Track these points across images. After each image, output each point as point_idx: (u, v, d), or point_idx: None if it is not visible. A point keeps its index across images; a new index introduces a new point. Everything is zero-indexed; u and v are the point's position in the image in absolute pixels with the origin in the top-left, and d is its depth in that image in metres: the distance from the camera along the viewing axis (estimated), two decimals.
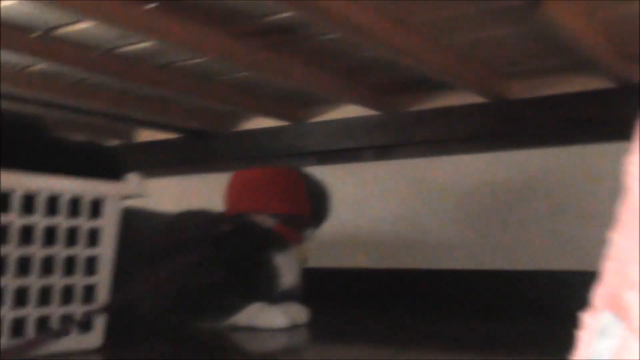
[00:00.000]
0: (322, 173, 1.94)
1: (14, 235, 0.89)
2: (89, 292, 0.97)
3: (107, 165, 1.00)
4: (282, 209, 1.41)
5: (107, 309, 0.97)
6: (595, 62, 1.42)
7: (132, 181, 1.00)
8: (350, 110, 1.88)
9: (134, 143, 2.30)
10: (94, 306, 0.96)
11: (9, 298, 0.89)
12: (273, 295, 1.35)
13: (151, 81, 1.63)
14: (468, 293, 1.70)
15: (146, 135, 2.27)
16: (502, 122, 1.66)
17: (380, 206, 1.87)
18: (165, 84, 1.65)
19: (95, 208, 0.97)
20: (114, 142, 2.28)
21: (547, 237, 1.63)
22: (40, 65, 1.58)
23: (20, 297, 0.90)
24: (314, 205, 1.46)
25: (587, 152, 1.61)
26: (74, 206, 0.95)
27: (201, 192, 2.16)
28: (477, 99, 1.69)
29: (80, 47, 1.46)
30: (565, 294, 1.54)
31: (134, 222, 1.42)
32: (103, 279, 0.99)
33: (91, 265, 0.97)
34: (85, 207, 0.96)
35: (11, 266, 0.89)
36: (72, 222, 0.95)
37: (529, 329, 1.33)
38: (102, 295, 0.99)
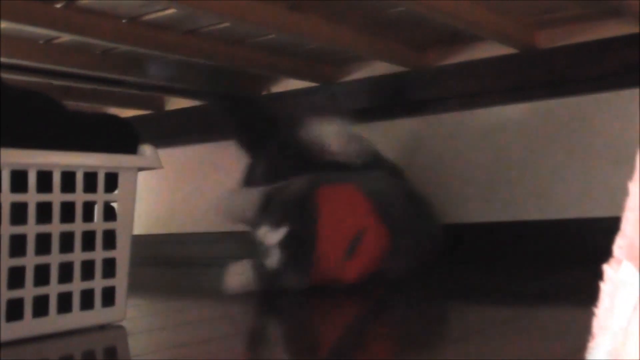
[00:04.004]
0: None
1: (31, 213, 0.88)
2: (109, 267, 0.97)
3: (123, 137, 0.99)
4: None
5: None
6: (623, 7, 1.37)
7: (147, 153, 0.98)
8: (379, 68, 1.85)
9: (164, 111, 2.29)
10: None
11: (29, 276, 0.88)
12: None
13: (178, 48, 1.61)
14: (502, 245, 1.67)
15: (176, 103, 2.26)
16: (533, 72, 1.62)
17: (414, 162, 1.83)
18: (192, 50, 1.64)
19: (111, 181, 0.96)
20: (145, 112, 2.28)
21: (581, 184, 1.59)
22: (66, 37, 1.57)
23: (41, 275, 0.90)
24: None
25: (619, 98, 1.55)
26: (90, 181, 0.94)
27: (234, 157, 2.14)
28: (506, 50, 1.64)
29: (104, 16, 1.45)
30: (599, 242, 1.50)
31: None
32: (122, 252, 0.98)
33: (110, 239, 0.97)
34: (101, 181, 0.95)
35: (30, 244, 0.88)
36: (89, 197, 0.95)
37: (562, 279, 1.30)
38: (122, 268, 0.98)
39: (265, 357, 0.82)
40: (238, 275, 1.34)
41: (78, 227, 0.93)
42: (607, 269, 0.39)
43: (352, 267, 1.31)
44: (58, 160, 0.91)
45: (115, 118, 1.04)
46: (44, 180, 0.90)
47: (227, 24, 1.55)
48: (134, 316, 1.08)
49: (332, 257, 1.29)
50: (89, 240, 0.95)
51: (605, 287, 0.39)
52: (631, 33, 1.50)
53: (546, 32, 1.62)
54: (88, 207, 0.95)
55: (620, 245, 0.39)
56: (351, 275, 1.30)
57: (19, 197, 0.87)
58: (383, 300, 1.21)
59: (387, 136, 1.87)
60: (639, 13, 1.40)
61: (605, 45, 1.53)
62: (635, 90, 1.52)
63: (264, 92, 2.08)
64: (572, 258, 1.54)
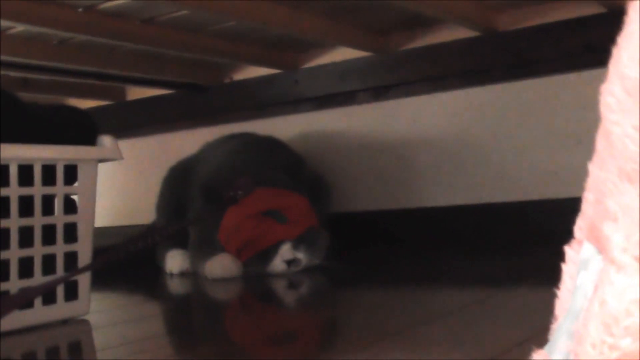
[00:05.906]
0: (318, 118, 1.91)
1: None
2: (71, 260, 0.95)
3: (82, 128, 0.97)
4: None
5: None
6: None
7: (107, 144, 0.97)
8: (342, 53, 1.84)
9: (125, 101, 2.27)
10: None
11: None
12: None
13: (137, 37, 1.58)
14: (467, 228, 1.68)
15: (137, 92, 2.23)
16: (495, 54, 1.63)
17: (379, 147, 1.83)
18: (151, 39, 1.61)
19: (71, 174, 0.94)
20: (105, 102, 2.25)
21: (544, 166, 1.60)
22: (20, 28, 1.54)
23: (1, 271, 0.88)
24: None
25: (581, 79, 1.56)
26: (49, 173, 0.93)
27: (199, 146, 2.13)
28: (468, 33, 1.65)
29: (59, 5, 1.42)
30: (563, 223, 1.51)
31: None
32: (84, 245, 0.97)
33: (71, 232, 0.95)
34: (60, 174, 0.94)
35: None
36: (48, 190, 0.93)
37: (528, 261, 1.31)
38: (84, 261, 0.97)
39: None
40: (219, 263, 1.37)
41: (37, 221, 0.92)
42: (568, 250, 0.39)
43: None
44: (14, 153, 0.89)
45: (72, 109, 1.02)
46: (1, 174, 0.88)
47: (185, 12, 1.52)
48: (98, 309, 1.07)
49: None
50: (49, 234, 0.93)
51: (566, 268, 0.39)
52: (591, 14, 1.51)
53: (507, 15, 1.63)
54: (48, 201, 0.93)
55: (580, 226, 0.38)
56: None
57: None
58: (350, 285, 1.21)
59: (351, 121, 1.87)
60: None
61: (566, 26, 1.54)
62: (597, 71, 1.53)
63: (227, 80, 2.06)
64: (537, 239, 1.55)
